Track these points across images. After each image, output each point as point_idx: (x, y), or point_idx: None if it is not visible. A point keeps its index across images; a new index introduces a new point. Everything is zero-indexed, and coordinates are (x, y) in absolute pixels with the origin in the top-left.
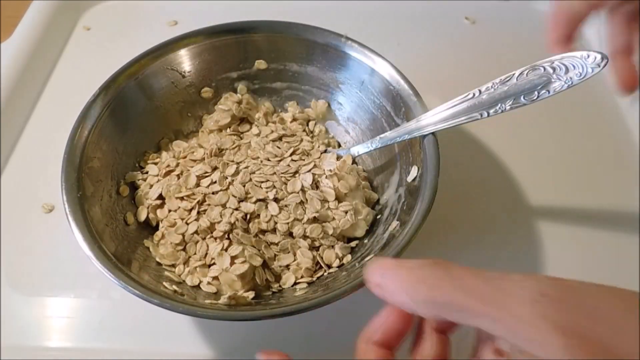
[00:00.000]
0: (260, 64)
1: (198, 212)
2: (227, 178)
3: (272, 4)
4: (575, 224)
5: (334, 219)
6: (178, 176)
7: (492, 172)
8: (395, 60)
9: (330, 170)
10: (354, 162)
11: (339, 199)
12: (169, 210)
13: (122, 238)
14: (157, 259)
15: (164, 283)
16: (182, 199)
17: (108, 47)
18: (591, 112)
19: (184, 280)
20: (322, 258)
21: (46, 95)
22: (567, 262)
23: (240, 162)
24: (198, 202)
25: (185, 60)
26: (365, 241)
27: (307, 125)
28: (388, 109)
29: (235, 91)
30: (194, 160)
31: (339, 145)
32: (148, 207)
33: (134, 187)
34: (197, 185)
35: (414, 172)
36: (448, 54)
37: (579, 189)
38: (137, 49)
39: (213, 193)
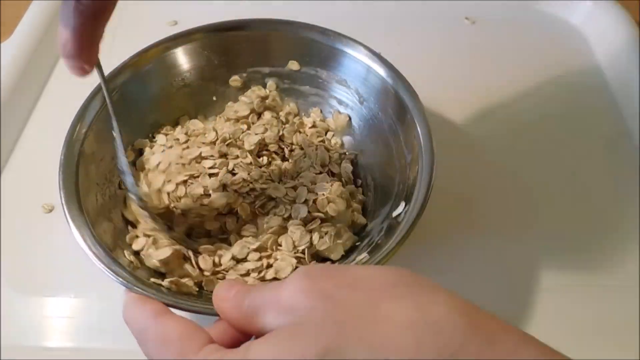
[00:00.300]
0: (293, 65)
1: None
2: (227, 166)
3: (272, 4)
4: (574, 224)
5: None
6: (183, 149)
7: (488, 177)
8: (395, 60)
9: (323, 194)
10: (356, 177)
11: (323, 220)
12: (165, 181)
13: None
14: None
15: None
16: (179, 172)
17: (108, 47)
18: (591, 111)
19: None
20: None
21: (46, 95)
22: (566, 262)
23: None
24: (192, 175)
25: (218, 46)
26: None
27: (326, 134)
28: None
29: (264, 86)
30: (204, 143)
31: (352, 161)
32: (146, 173)
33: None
34: (198, 162)
35: (400, 208)
36: (448, 54)
37: (579, 189)
38: (137, 49)
39: (209, 175)
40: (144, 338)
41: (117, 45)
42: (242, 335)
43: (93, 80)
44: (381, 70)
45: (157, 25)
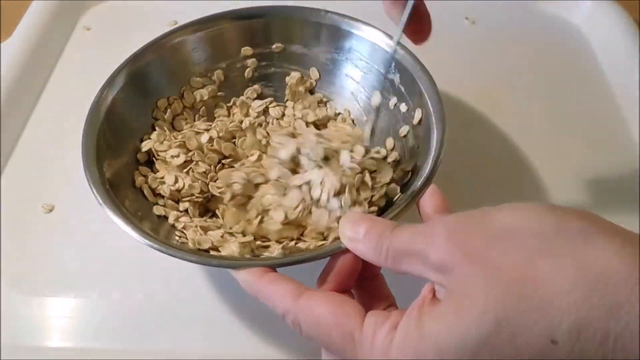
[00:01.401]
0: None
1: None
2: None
3: (272, 4)
4: None
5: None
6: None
7: (487, 180)
8: None
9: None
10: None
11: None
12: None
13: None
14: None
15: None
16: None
17: (108, 47)
18: (591, 111)
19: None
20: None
21: (46, 95)
22: None
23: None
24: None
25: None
26: None
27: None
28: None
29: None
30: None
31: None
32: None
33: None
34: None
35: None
36: (448, 54)
37: (579, 189)
38: (137, 49)
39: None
40: (294, 324)
41: (118, 46)
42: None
43: (93, 80)
44: (389, 47)
45: (157, 25)
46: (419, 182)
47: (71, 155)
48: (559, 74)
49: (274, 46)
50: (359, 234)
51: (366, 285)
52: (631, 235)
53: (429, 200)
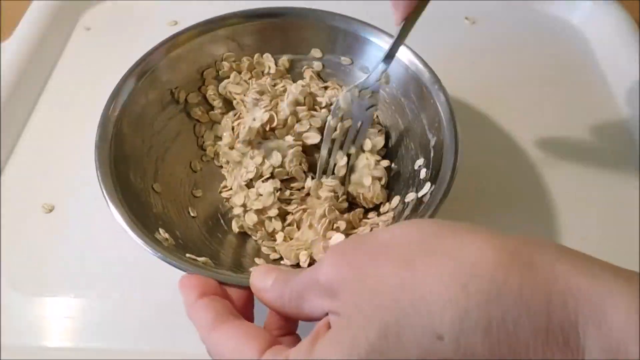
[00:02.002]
0: (316, 52)
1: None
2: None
3: (271, 4)
4: (573, 224)
5: None
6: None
7: (483, 177)
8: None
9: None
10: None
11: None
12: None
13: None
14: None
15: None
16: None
17: (108, 47)
18: (591, 111)
19: None
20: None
21: (46, 95)
22: None
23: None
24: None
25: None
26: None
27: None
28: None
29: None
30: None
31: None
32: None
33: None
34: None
35: (426, 188)
36: (448, 54)
37: (578, 189)
38: (137, 49)
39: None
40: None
41: (118, 46)
42: (292, 324)
43: (93, 80)
44: (403, 56)
45: (157, 25)
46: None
47: (71, 155)
48: (559, 73)
49: (342, 58)
50: (267, 284)
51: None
52: (493, 231)
53: None
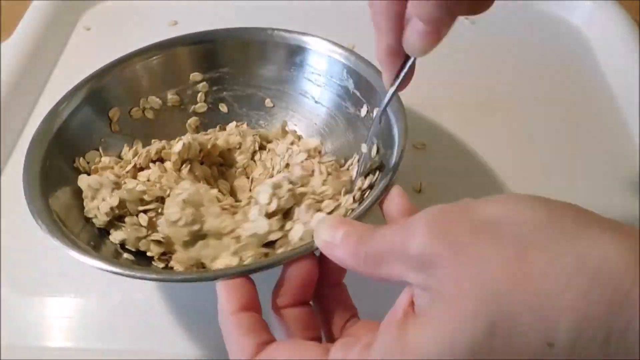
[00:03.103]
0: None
1: None
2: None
3: (271, 4)
4: None
5: None
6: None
7: (488, 178)
8: None
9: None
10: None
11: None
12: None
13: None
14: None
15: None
16: None
17: (108, 47)
18: (591, 111)
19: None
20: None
21: (46, 95)
22: None
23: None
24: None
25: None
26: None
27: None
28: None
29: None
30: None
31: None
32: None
33: None
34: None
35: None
36: (448, 54)
37: (578, 189)
38: (137, 49)
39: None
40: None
41: (118, 46)
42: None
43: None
44: (339, 54)
45: (157, 25)
46: (381, 182)
47: None
48: (559, 73)
49: (224, 69)
50: (336, 238)
51: (327, 295)
52: (625, 226)
53: (395, 203)
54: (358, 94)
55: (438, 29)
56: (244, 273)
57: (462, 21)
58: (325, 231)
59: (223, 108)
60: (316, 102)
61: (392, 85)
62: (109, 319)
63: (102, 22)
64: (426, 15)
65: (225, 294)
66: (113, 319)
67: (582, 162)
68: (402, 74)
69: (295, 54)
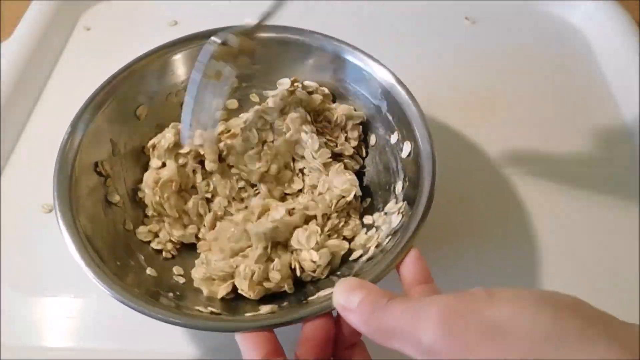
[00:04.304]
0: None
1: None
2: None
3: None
4: (573, 224)
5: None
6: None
7: (489, 178)
8: (395, 60)
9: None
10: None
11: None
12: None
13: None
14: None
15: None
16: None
17: (108, 47)
18: (591, 111)
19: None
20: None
21: (46, 95)
22: (565, 263)
23: None
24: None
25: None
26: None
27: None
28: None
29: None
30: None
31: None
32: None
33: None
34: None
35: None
36: (448, 54)
37: (578, 189)
38: (137, 49)
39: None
40: None
41: (118, 46)
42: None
43: (92, 80)
44: (378, 73)
45: (157, 25)
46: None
47: None
48: (559, 73)
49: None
50: (352, 303)
51: (347, 355)
52: (630, 336)
53: (411, 268)
54: (390, 118)
55: None
56: (263, 327)
57: (462, 21)
58: (342, 295)
59: (254, 98)
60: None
61: None
62: (109, 319)
63: (102, 22)
64: None
65: (250, 343)
66: (113, 319)
67: (581, 162)
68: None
69: (332, 61)
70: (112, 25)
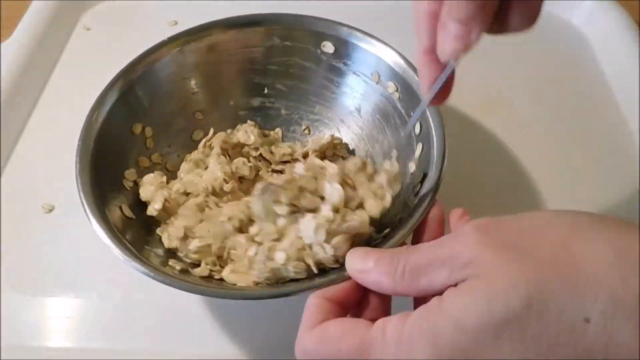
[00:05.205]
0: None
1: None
2: None
3: (273, 3)
4: None
5: None
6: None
7: (489, 178)
8: None
9: None
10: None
11: None
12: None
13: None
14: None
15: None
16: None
17: (108, 47)
18: (591, 111)
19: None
20: None
21: (46, 95)
22: None
23: None
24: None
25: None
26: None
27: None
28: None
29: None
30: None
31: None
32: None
33: None
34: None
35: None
36: None
37: (578, 189)
38: (137, 49)
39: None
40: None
41: (118, 46)
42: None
43: (92, 80)
44: (393, 60)
45: (157, 25)
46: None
47: (71, 155)
48: (559, 73)
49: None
50: (368, 265)
51: None
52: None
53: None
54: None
55: (469, 31)
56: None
57: None
58: (357, 260)
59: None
60: (357, 110)
61: (429, 90)
62: (109, 319)
63: (102, 22)
64: (457, 14)
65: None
66: (113, 319)
67: (581, 162)
68: (440, 81)
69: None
70: (112, 25)
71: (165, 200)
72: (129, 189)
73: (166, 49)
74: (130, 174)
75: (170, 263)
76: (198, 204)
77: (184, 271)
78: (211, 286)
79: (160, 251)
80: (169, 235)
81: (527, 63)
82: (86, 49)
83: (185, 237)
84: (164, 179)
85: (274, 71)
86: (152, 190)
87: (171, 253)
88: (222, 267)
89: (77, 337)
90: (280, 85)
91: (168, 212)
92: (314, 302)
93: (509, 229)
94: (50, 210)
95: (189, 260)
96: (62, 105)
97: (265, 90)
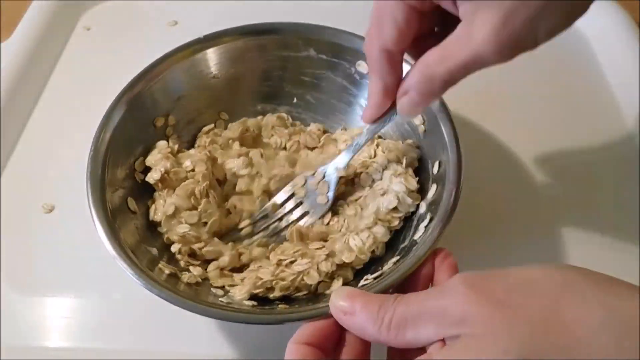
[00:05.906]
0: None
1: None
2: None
3: (274, 4)
4: (573, 224)
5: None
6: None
7: (487, 179)
8: None
9: None
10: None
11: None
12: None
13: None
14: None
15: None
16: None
17: (108, 47)
18: (591, 111)
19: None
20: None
21: (46, 95)
22: (566, 262)
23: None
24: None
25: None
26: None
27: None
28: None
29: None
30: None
31: None
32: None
33: None
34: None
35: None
36: None
37: (578, 189)
38: (137, 49)
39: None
40: None
41: (118, 46)
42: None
43: (93, 80)
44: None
45: (157, 25)
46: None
47: (71, 155)
48: (558, 73)
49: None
50: (354, 308)
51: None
52: (629, 283)
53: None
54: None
55: (427, 101)
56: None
57: None
58: (342, 301)
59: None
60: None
61: (373, 124)
62: (109, 319)
63: (102, 22)
64: (421, 90)
65: (301, 329)
66: (113, 319)
67: (581, 162)
68: (383, 124)
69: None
70: (112, 25)
71: (166, 172)
72: (139, 181)
73: (199, 46)
74: (139, 164)
75: (160, 266)
76: (199, 190)
77: (172, 275)
78: (203, 303)
79: (154, 250)
80: (156, 209)
81: (526, 62)
82: (86, 49)
83: (172, 217)
84: (175, 148)
85: (307, 82)
86: (158, 158)
87: (165, 252)
88: (196, 263)
89: (76, 337)
90: (310, 97)
91: (166, 184)
92: (292, 348)
93: (497, 286)
94: (50, 210)
95: (182, 264)
96: (62, 105)
97: (295, 100)
